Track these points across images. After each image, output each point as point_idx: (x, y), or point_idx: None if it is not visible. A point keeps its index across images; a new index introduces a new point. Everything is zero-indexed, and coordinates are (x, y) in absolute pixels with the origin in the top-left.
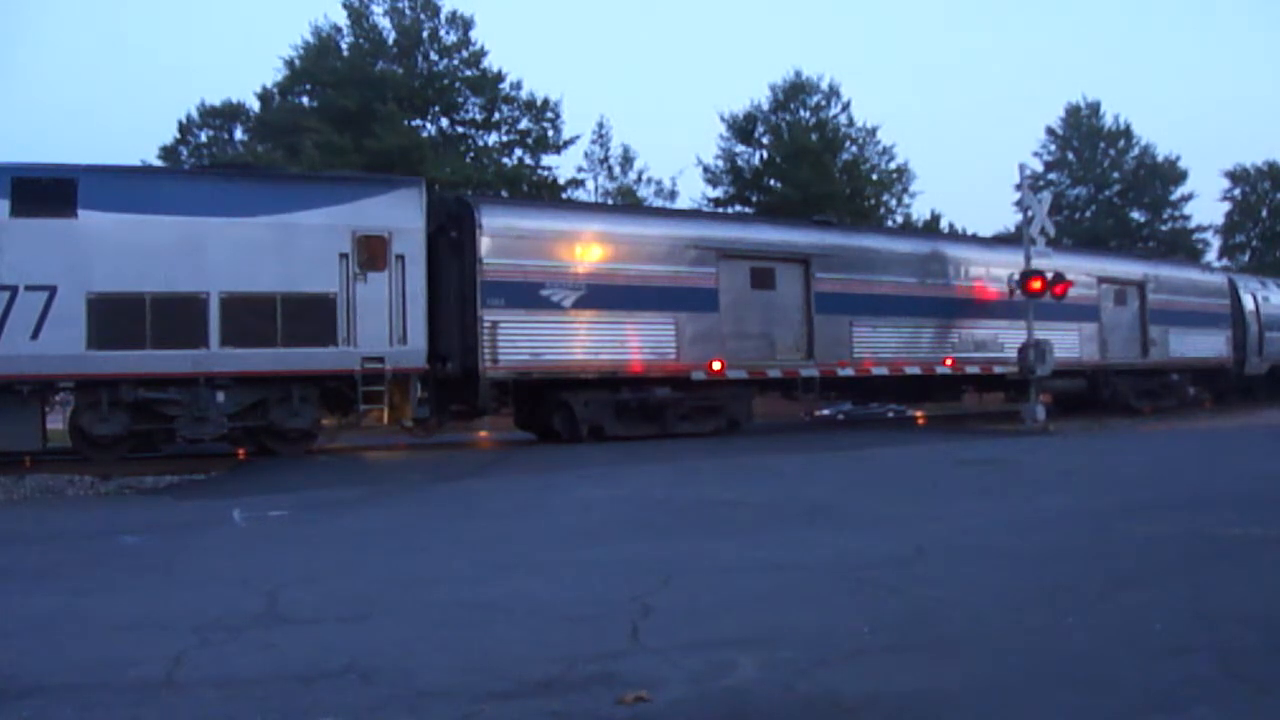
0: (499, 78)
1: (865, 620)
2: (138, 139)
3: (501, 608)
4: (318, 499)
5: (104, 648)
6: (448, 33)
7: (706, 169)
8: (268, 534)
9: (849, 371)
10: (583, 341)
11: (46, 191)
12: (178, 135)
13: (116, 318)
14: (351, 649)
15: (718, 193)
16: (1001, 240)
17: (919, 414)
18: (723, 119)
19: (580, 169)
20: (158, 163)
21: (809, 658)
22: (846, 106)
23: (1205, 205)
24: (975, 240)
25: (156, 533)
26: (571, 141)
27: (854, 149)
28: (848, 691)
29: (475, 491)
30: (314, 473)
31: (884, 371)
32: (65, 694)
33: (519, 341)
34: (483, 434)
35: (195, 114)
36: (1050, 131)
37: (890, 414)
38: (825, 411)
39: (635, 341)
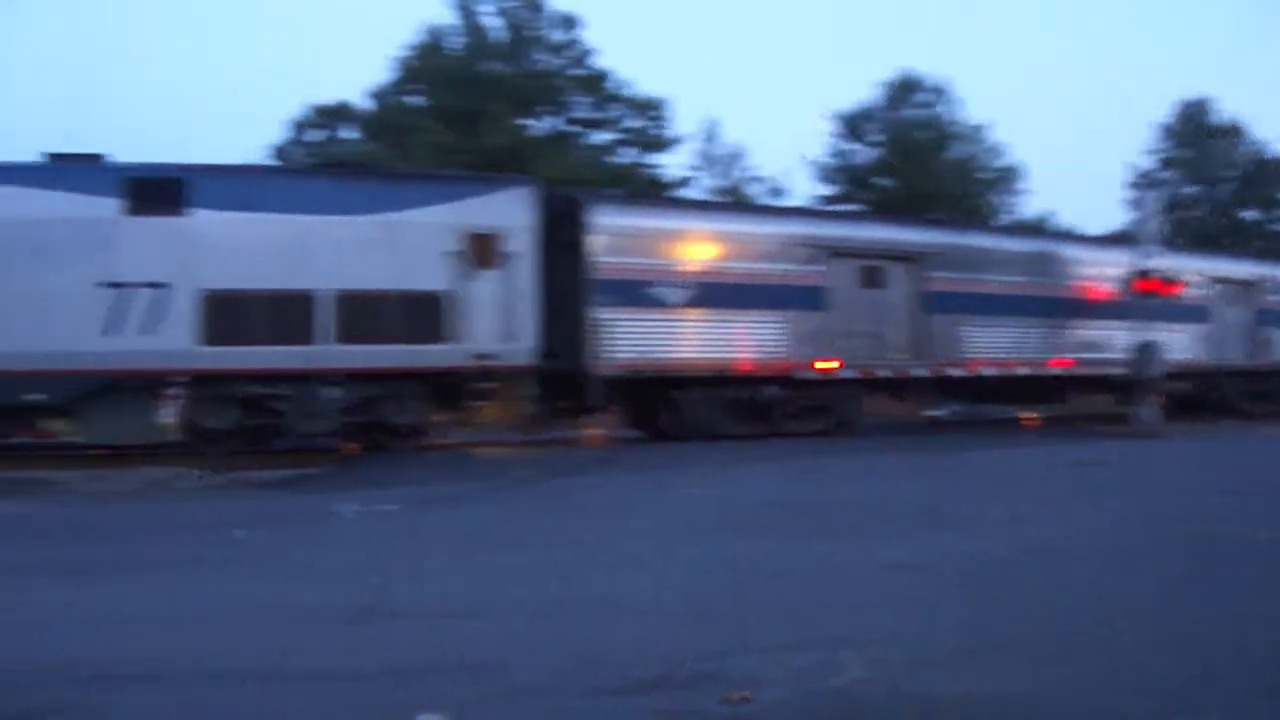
0: (605, 76)
1: (972, 621)
2: (250, 138)
3: (607, 605)
4: (427, 494)
5: (211, 638)
6: (555, 32)
7: (815, 166)
8: (376, 528)
9: (958, 372)
10: (691, 339)
11: (158, 190)
12: (290, 134)
13: (228, 314)
14: (456, 644)
15: (827, 190)
16: (1112, 239)
17: (1028, 415)
18: (832, 116)
19: (689, 167)
20: (270, 162)
21: (915, 658)
22: (955, 104)
23: None
24: (1085, 239)
25: (265, 526)
26: (680, 139)
27: (962, 147)
28: (954, 692)
29: (583, 488)
30: (423, 468)
31: (993, 372)
32: (171, 683)
33: (628, 339)
34: (591, 431)
35: (307, 113)
36: (1161, 128)
37: (999, 415)
38: (934, 412)
39: (744, 340)
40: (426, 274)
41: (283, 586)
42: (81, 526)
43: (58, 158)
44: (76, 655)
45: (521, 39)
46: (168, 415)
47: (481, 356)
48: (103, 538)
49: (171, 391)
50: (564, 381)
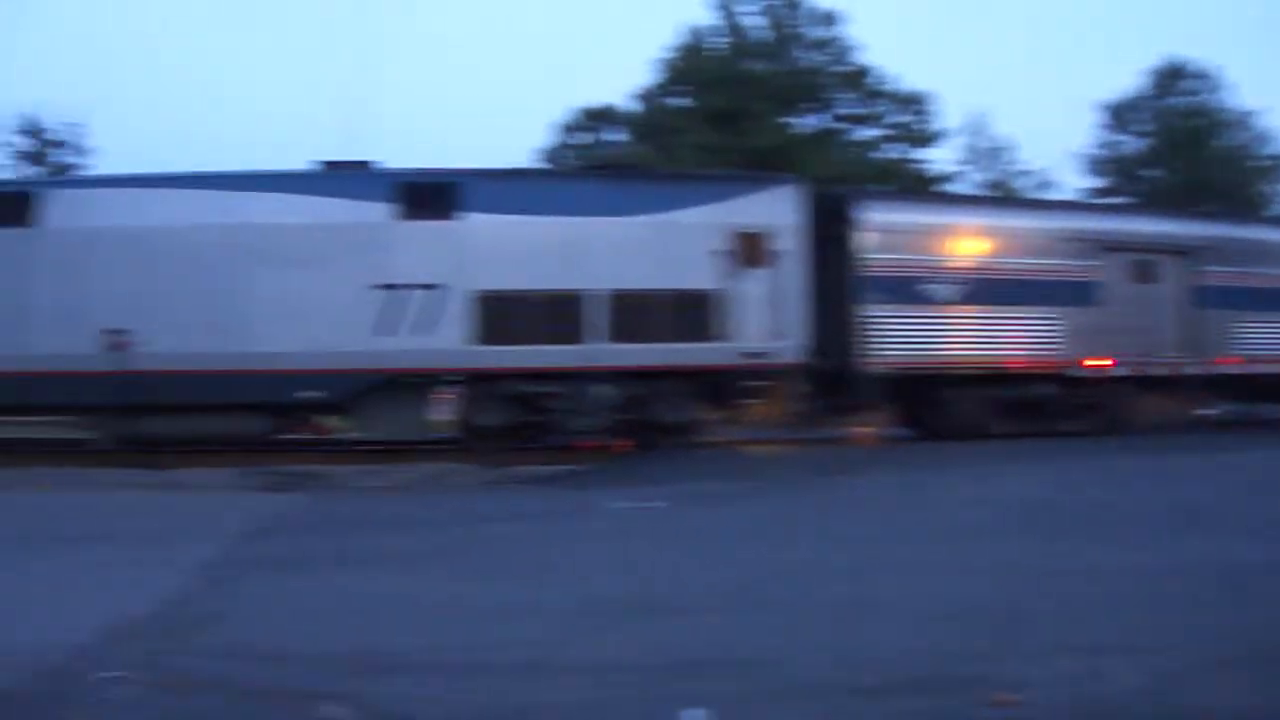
0: (869, 72)
1: (1244, 629)
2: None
3: (873, 605)
4: (695, 492)
5: (480, 630)
6: (816, 29)
7: (1083, 159)
8: (645, 525)
9: (1235, 369)
10: (961, 337)
11: (430, 195)
12: (557, 137)
13: (501, 315)
14: (722, 641)
15: (1095, 183)
16: None
17: None
18: (1099, 107)
19: (955, 161)
20: (539, 165)
21: (1183, 666)
22: (1225, 90)
23: None
24: None
25: (536, 521)
26: (945, 134)
27: (1233, 135)
28: (1223, 704)
29: (850, 488)
30: (692, 466)
31: (1269, 369)
32: (443, 671)
33: (897, 337)
34: (859, 430)
35: (574, 116)
36: None
37: (1275, 415)
38: (1205, 411)
39: (1013, 337)
40: (695, 273)
41: (552, 580)
42: (356, 520)
43: (331, 165)
44: (348, 644)
45: (783, 37)
46: (440, 413)
47: (750, 355)
48: (376, 531)
49: (444, 389)
50: (832, 380)
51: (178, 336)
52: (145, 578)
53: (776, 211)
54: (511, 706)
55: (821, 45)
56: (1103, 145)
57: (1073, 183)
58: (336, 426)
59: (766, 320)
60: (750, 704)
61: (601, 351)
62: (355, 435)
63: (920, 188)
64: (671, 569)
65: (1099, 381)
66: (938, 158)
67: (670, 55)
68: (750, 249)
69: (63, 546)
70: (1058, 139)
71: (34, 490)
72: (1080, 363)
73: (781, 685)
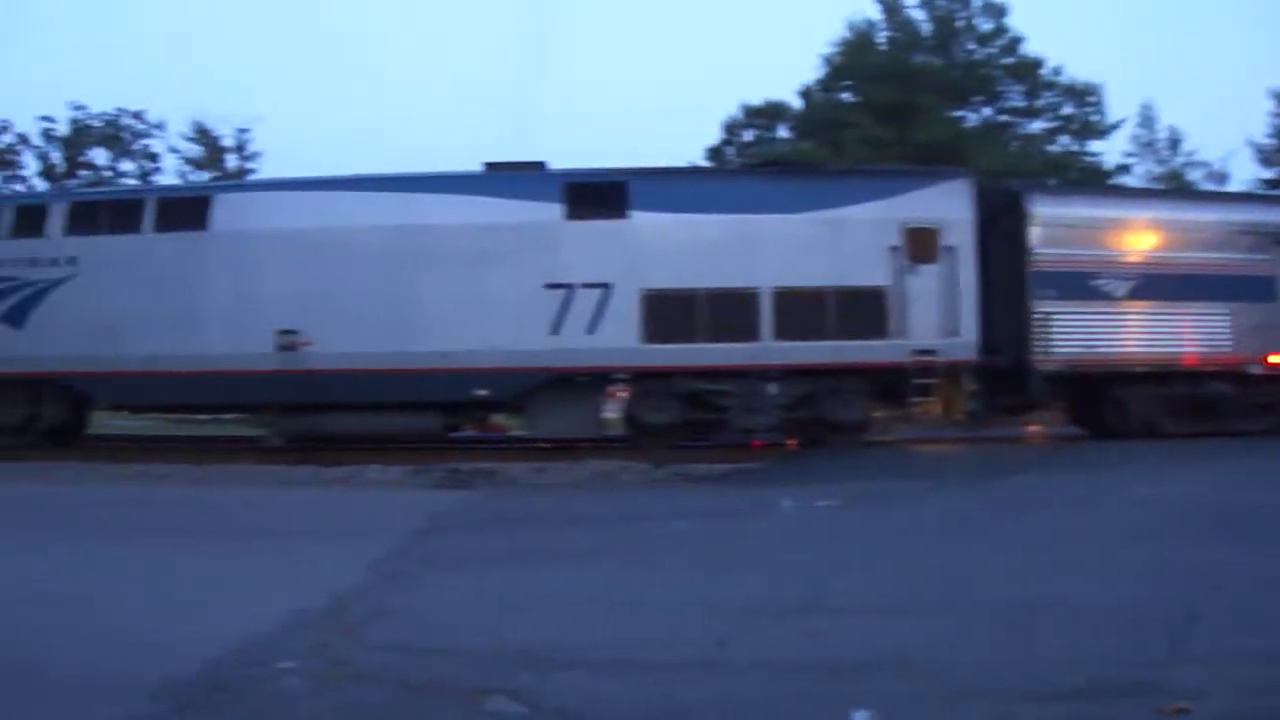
0: (1038, 64)
1: None
2: (685, 141)
3: (1042, 607)
4: (865, 490)
5: (649, 627)
6: (983, 21)
7: (1258, 148)
8: (815, 524)
9: None
10: (1134, 333)
11: (598, 195)
12: (723, 136)
13: (670, 313)
14: (890, 641)
15: (1270, 173)
16: None
17: None
18: (1275, 94)
19: (1126, 153)
20: (705, 163)
21: None
22: None
23: None
24: None
25: (706, 519)
26: (1116, 125)
27: None
28: None
29: (1022, 488)
30: (862, 464)
31: None
32: (609, 668)
33: (1070, 333)
34: (1031, 428)
35: (740, 114)
36: None
37: None
38: None
39: (1187, 333)
40: (866, 270)
41: (722, 578)
42: (526, 517)
43: (500, 166)
44: (516, 639)
45: (949, 30)
46: (611, 411)
47: (922, 352)
48: (546, 528)
49: (614, 387)
50: (1002, 378)
51: (350, 336)
52: (320, 572)
53: (947, 206)
54: (678, 704)
55: (988, 38)
56: (1277, 134)
57: (1247, 173)
58: (509, 425)
59: (937, 317)
60: (916, 706)
61: (772, 349)
62: (526, 433)
63: (1091, 181)
64: (841, 568)
65: (1276, 379)
66: (1108, 150)
67: (836, 50)
68: (921, 245)
69: (243, 541)
70: (1231, 128)
71: (209, 487)
72: (1259, 359)
73: (949, 688)
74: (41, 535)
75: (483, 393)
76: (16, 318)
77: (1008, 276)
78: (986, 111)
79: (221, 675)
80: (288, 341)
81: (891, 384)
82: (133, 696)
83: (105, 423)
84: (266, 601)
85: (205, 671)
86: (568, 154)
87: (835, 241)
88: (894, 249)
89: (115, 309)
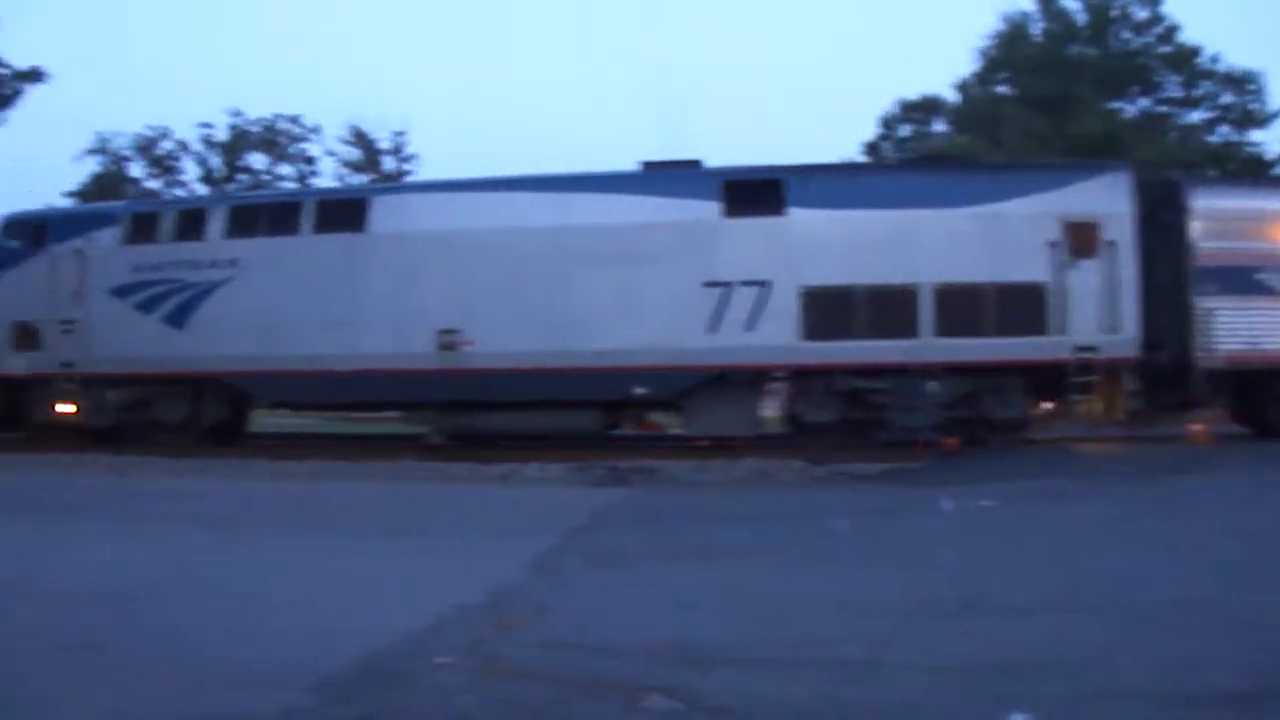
0: (1195, 52)
1: None
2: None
3: (1203, 609)
4: (1026, 490)
5: (808, 626)
6: (1138, 10)
7: None
8: (975, 523)
9: None
10: None
11: (755, 192)
12: (880, 131)
13: (828, 309)
14: (1050, 642)
15: None
16: None
17: None
18: None
19: None
20: (862, 159)
21: None
22: None
23: None
24: None
25: (865, 518)
26: (1278, 114)
27: None
28: None
29: (1184, 488)
30: (1022, 463)
31: None
32: (767, 666)
33: (1233, 329)
34: (1193, 427)
35: (895, 109)
36: None
37: None
38: None
39: None
40: (1025, 265)
41: (881, 577)
42: (685, 515)
43: (657, 165)
44: (674, 637)
45: (1104, 19)
46: (769, 409)
47: (1082, 349)
48: (705, 525)
49: (773, 385)
50: (1164, 375)
51: (509, 335)
52: (478, 568)
53: (1107, 200)
54: (835, 703)
55: (1144, 27)
56: None
57: None
58: (667, 423)
59: (1097, 313)
60: (1076, 708)
61: (931, 346)
62: (685, 431)
63: (1253, 172)
64: (1000, 568)
65: None
66: (1269, 140)
67: (990, 43)
68: (1080, 239)
69: (401, 537)
70: None
71: (373, 482)
72: None
73: (1107, 690)
74: (202, 530)
75: (641, 391)
76: (178, 319)
77: (1168, 271)
78: (1143, 102)
79: (378, 669)
80: (448, 341)
81: (1051, 382)
82: (290, 688)
83: (264, 421)
84: (424, 597)
85: (362, 665)
86: (724, 152)
87: (994, 237)
88: (1053, 244)
89: (275, 309)
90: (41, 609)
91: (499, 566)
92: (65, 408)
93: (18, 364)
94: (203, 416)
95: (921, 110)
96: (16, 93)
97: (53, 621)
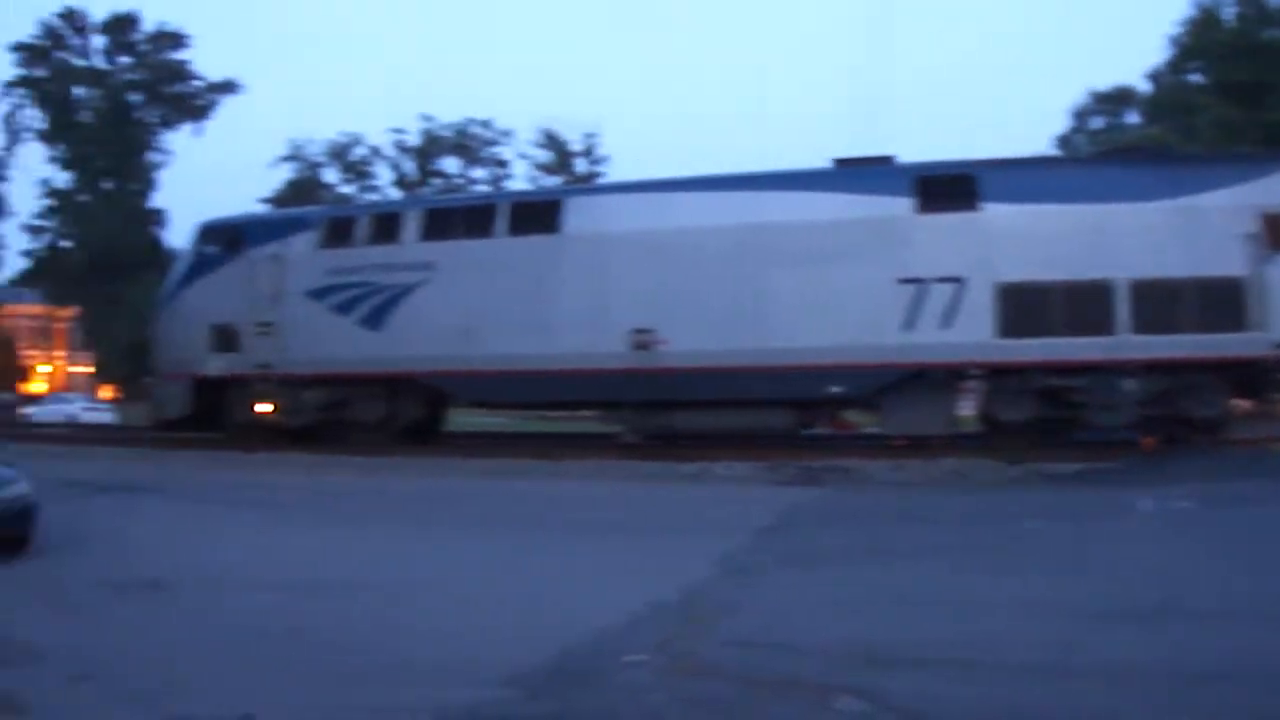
0: None
1: None
2: (1031, 131)
3: None
4: (1225, 491)
5: (997, 628)
6: None
7: None
8: (1173, 525)
9: None
10: None
11: (949, 187)
12: (1070, 123)
13: (1024, 306)
14: (1247, 652)
15: None
16: None
17: None
18: None
19: None
20: (1054, 152)
21: None
22: None
23: None
24: None
25: (1060, 518)
26: None
27: None
28: None
29: None
30: (1222, 464)
31: None
32: (956, 668)
33: None
34: None
35: (1086, 101)
36: None
37: None
38: None
39: None
40: (1223, 259)
41: (1073, 579)
42: (876, 514)
43: (848, 162)
44: (863, 637)
45: None
46: (964, 407)
47: None
48: (896, 525)
49: (968, 384)
50: None
51: (703, 334)
52: (670, 566)
53: None
54: (1024, 708)
55: None
56: None
57: None
58: (861, 422)
59: None
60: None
61: (1127, 343)
62: (879, 430)
63: None
64: (1196, 573)
65: None
66: None
67: (1182, 30)
68: (1279, 232)
69: (595, 535)
70: None
71: (567, 481)
72: None
73: None
74: (401, 528)
75: (835, 390)
76: (375, 320)
77: None
78: None
79: (572, 665)
80: (642, 340)
81: (1252, 379)
82: (486, 682)
83: (459, 420)
84: (617, 594)
85: (556, 661)
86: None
87: (1190, 230)
88: (1251, 237)
89: (470, 311)
90: (245, 599)
91: (690, 565)
92: (263, 408)
93: (216, 365)
94: (399, 416)
95: (1113, 101)
96: (212, 104)
97: (255, 611)
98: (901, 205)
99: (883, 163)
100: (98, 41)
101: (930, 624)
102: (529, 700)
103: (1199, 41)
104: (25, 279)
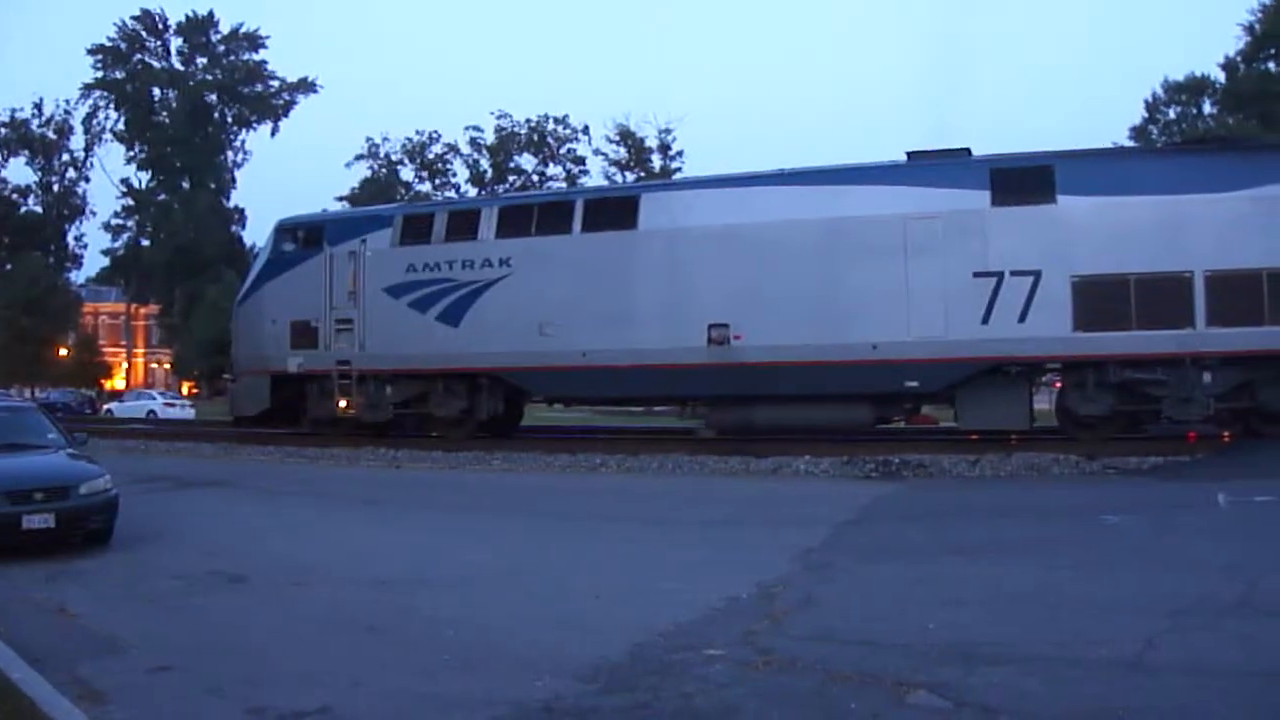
0: None
1: None
2: (1106, 122)
3: None
4: None
5: (1075, 624)
6: None
7: None
8: (1251, 520)
9: None
10: None
11: (1024, 180)
12: (1145, 114)
13: (1100, 299)
14: None
15: None
16: None
17: None
18: None
19: None
20: (1128, 143)
21: None
22: None
23: None
24: None
25: (1137, 513)
26: None
27: None
28: None
29: None
30: None
31: None
32: (1034, 665)
33: None
34: None
35: (1161, 91)
36: None
37: None
38: None
39: None
40: None
41: (1151, 575)
42: (954, 509)
43: (923, 155)
44: (939, 633)
45: None
46: (1041, 401)
47: None
48: (973, 520)
49: (1045, 377)
50: None
51: (779, 329)
52: (749, 561)
53: None
54: (1103, 704)
55: None
56: None
57: None
58: (939, 416)
59: None
60: None
61: (1205, 336)
62: (957, 425)
63: None
64: (1276, 569)
65: None
66: None
67: (1256, 18)
68: None
69: (673, 529)
70: None
71: (644, 477)
72: None
73: None
74: (480, 523)
75: (912, 384)
76: (452, 316)
77: None
78: None
79: (650, 659)
80: (719, 335)
81: None
82: (565, 674)
83: (537, 415)
84: (695, 589)
85: (634, 654)
86: (988, 140)
87: (1267, 221)
88: None
89: (547, 306)
90: (325, 593)
91: (769, 560)
92: (342, 403)
93: (295, 361)
94: (477, 411)
95: (1188, 91)
96: (289, 103)
97: (335, 605)
98: (978, 198)
99: (958, 156)
100: (175, 43)
101: (1009, 620)
102: (606, 693)
103: (1274, 29)
104: (106, 277)
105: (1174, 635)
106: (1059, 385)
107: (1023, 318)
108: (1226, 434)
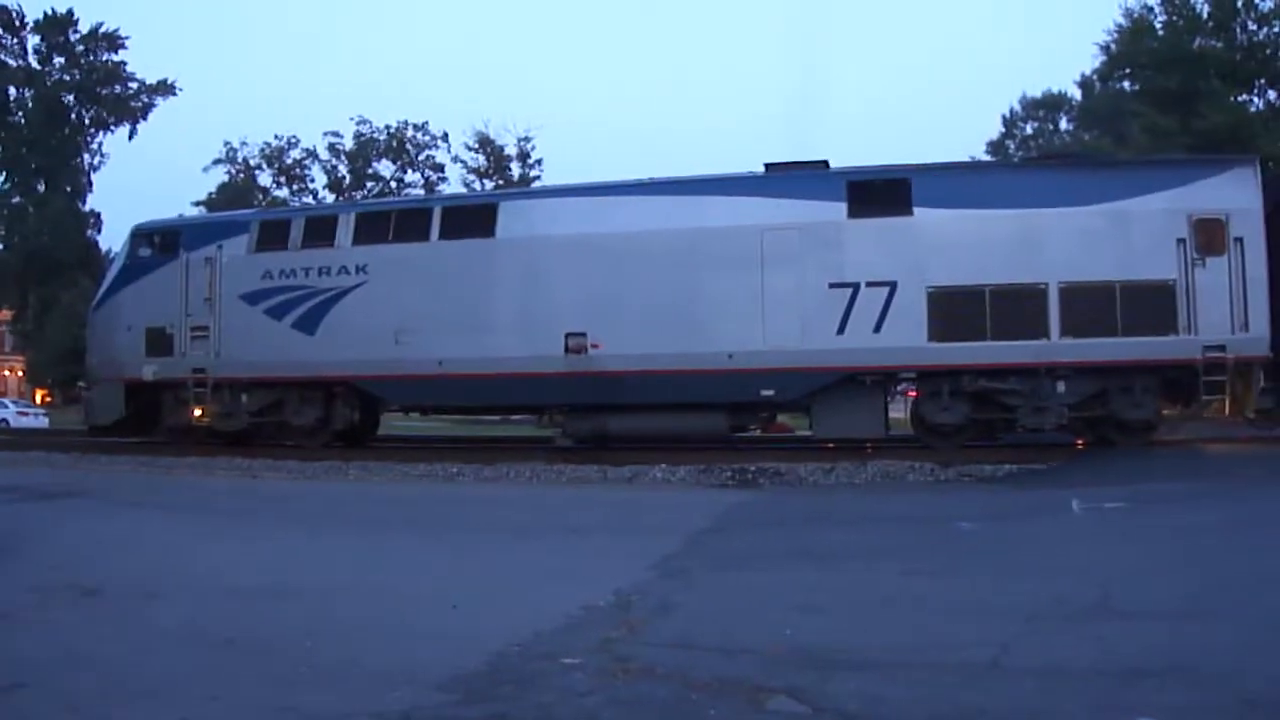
0: None
1: None
2: (963, 136)
3: None
4: (1155, 492)
5: (932, 629)
6: (1263, 0)
7: None
8: (1103, 525)
9: None
10: None
11: (881, 192)
12: (1003, 129)
13: (956, 309)
14: (1177, 648)
15: None
16: None
17: None
18: None
19: None
20: (985, 158)
21: None
22: None
23: None
24: None
25: (992, 520)
26: None
27: None
28: None
29: None
30: (1151, 465)
31: None
32: (892, 670)
33: None
34: None
35: (1018, 107)
36: None
37: None
38: None
39: None
40: (1152, 263)
41: (1006, 580)
42: (810, 517)
43: (780, 167)
44: (799, 639)
45: (1228, 11)
46: (896, 411)
47: (1211, 348)
48: (830, 528)
49: (900, 386)
50: None
51: (637, 338)
52: (607, 569)
53: (1234, 195)
54: (959, 709)
55: (1270, 17)
56: None
57: None
58: (795, 425)
59: (1227, 311)
60: (1203, 717)
61: (1058, 347)
62: (812, 434)
63: None
64: (1127, 572)
65: None
66: None
67: (1113, 38)
68: (1208, 236)
69: (530, 538)
70: None
71: (501, 485)
72: None
73: (1237, 699)
74: (336, 531)
75: (768, 393)
76: (309, 324)
77: None
78: (1271, 94)
79: (507, 668)
80: (576, 344)
81: (1180, 382)
82: (423, 684)
83: (393, 424)
84: (552, 597)
85: (492, 664)
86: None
87: (1121, 235)
88: (1181, 241)
89: (403, 314)
90: (182, 606)
91: (627, 567)
92: (197, 412)
93: (151, 369)
94: (333, 420)
95: (1046, 107)
96: (147, 106)
97: (192, 617)
98: (834, 210)
99: (816, 168)
100: (32, 41)
101: (867, 626)
102: (465, 704)
103: (1130, 49)
104: None
105: (1030, 638)
106: (914, 394)
107: (878, 328)
108: (1080, 441)
